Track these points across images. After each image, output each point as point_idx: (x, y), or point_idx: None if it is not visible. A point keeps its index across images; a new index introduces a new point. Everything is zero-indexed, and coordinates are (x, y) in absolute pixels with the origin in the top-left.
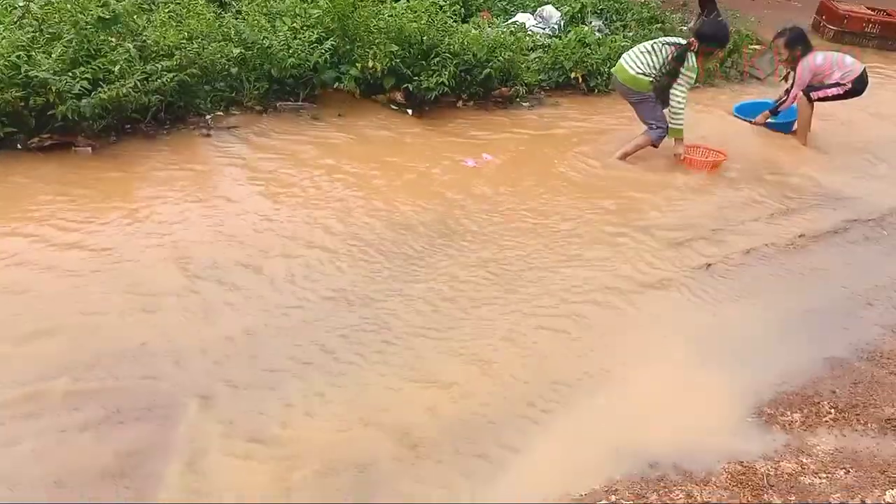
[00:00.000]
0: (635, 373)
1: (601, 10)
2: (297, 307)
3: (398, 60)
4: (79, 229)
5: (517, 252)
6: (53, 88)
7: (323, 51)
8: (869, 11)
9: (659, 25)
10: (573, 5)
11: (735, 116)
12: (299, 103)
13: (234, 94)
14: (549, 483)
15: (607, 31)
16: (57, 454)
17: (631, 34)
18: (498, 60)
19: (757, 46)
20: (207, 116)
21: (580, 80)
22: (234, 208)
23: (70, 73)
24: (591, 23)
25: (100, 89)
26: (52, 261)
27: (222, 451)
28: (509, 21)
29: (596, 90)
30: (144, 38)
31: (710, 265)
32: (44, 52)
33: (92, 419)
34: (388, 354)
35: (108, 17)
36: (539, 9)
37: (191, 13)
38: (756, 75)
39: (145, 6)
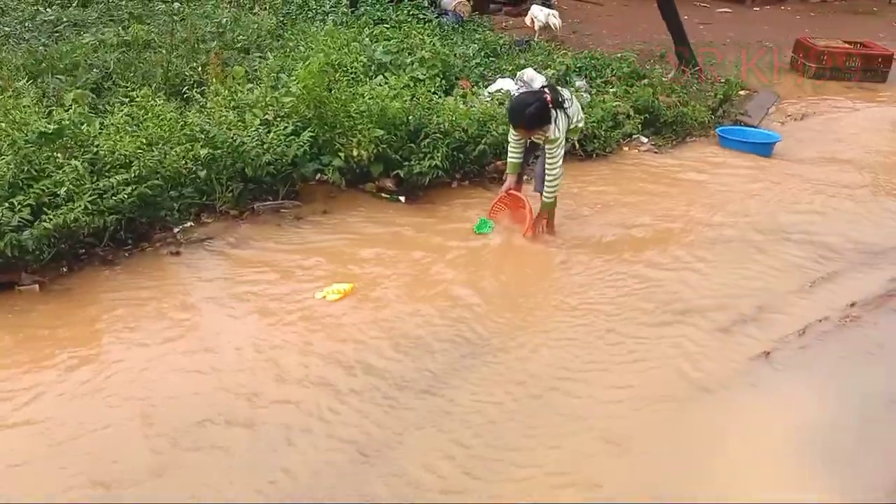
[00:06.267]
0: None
1: (579, 68)
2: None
3: (384, 145)
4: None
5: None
6: None
7: (301, 142)
8: (847, 46)
9: (646, 81)
10: (558, 68)
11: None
12: (279, 202)
13: (204, 200)
14: None
15: (591, 90)
16: None
17: (613, 90)
18: (491, 135)
19: (743, 92)
20: (175, 230)
21: (575, 145)
22: (217, 340)
23: (8, 203)
24: (575, 83)
25: (44, 216)
26: None
27: None
28: (491, 88)
29: (594, 154)
30: (96, 149)
31: (768, 353)
32: None
33: None
34: None
35: (51, 131)
36: (519, 73)
37: (150, 115)
38: (748, 122)
39: (99, 109)
